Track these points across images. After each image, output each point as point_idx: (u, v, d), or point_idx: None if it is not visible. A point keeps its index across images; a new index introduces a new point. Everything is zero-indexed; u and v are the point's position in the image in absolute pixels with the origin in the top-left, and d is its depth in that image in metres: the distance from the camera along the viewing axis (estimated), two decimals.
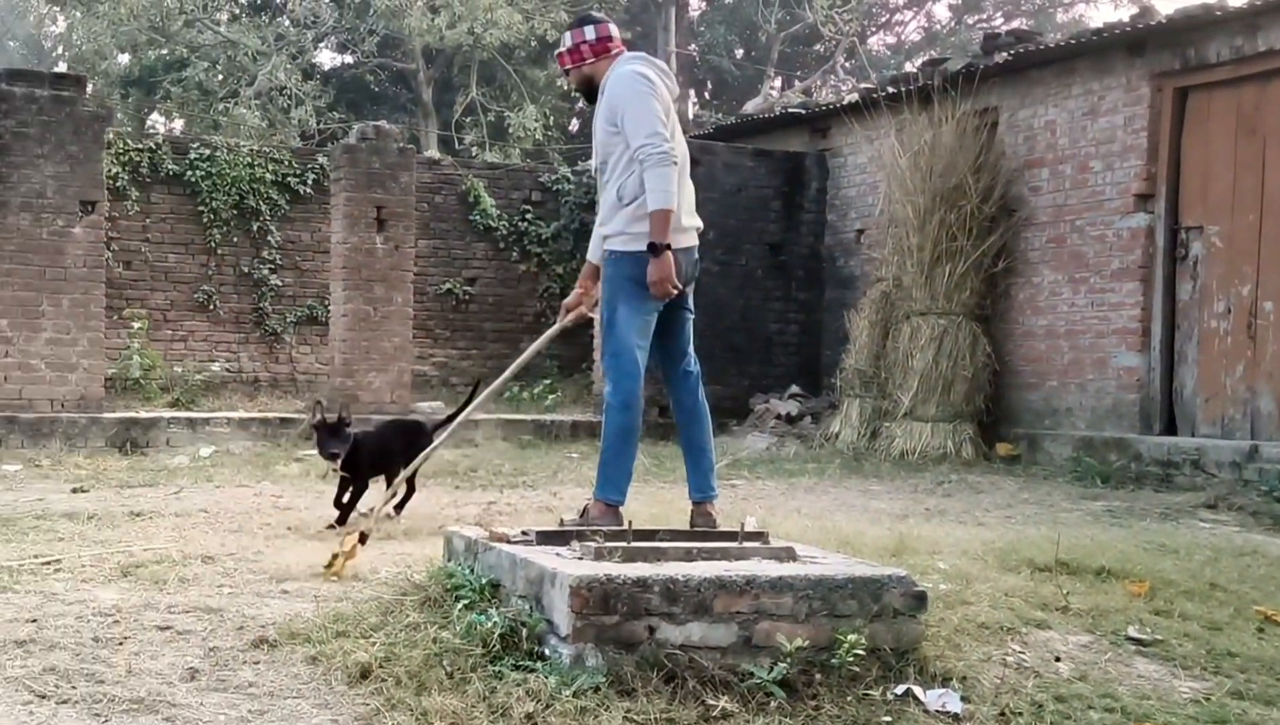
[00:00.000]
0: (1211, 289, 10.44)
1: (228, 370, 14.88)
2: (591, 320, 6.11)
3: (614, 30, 5.62)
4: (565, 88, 25.45)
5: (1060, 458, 11.07)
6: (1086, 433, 11.08)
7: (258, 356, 15.25)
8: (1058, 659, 4.71)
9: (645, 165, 5.22)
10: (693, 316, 5.61)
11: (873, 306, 12.55)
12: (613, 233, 5.43)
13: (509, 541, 4.89)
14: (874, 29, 33.06)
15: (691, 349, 5.60)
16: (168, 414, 12.10)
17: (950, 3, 33.67)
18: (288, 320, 15.33)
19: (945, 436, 11.50)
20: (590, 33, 5.57)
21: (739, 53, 30.69)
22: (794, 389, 13.88)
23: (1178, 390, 10.69)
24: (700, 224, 5.57)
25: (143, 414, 11.98)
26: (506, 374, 6.13)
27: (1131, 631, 5.08)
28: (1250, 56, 10.08)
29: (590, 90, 5.62)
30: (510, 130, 24.70)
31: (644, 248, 5.26)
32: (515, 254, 16.42)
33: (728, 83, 31.12)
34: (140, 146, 14.66)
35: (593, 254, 5.81)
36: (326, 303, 14.11)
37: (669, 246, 5.24)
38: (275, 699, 3.95)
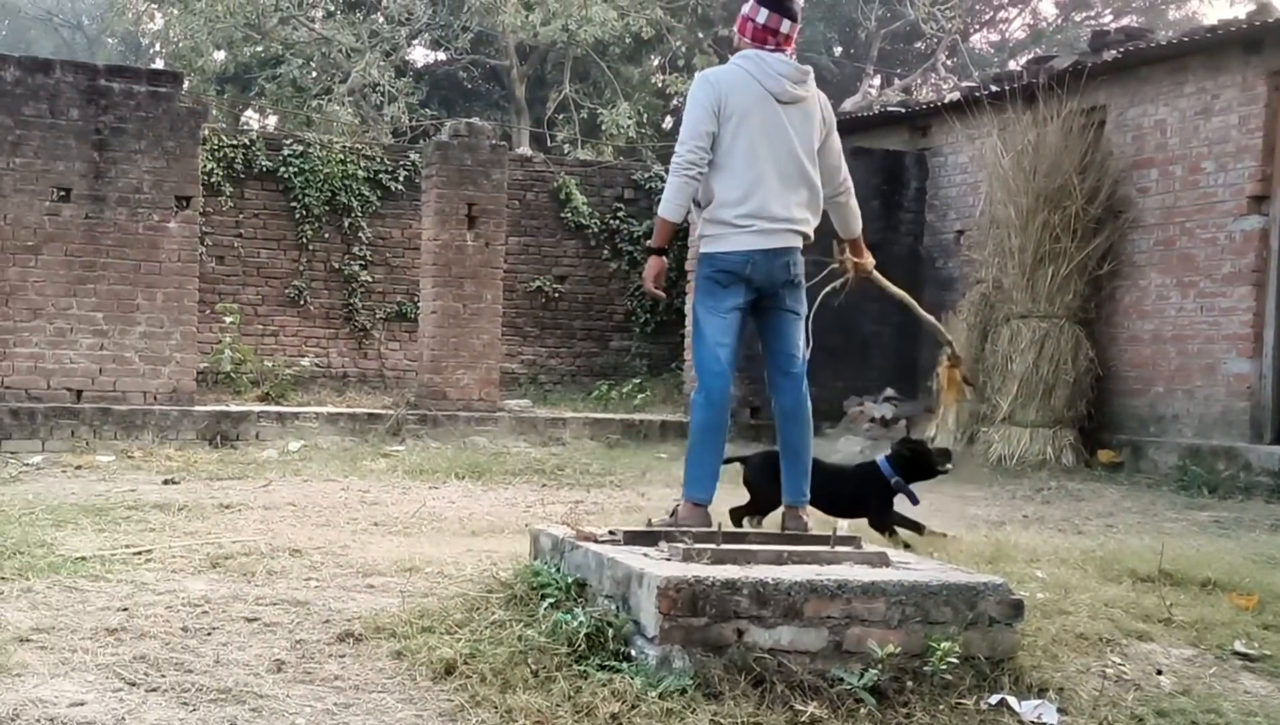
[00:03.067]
0: None
1: (317, 365, 15.05)
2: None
3: (786, 26, 5.43)
4: (658, 85, 25.51)
5: (1165, 466, 10.93)
6: (1193, 441, 10.92)
7: (346, 352, 15.41)
8: (1159, 672, 4.66)
9: (670, 171, 5.37)
10: (800, 318, 5.55)
11: (972, 308, 12.47)
12: (700, 236, 5.53)
13: (596, 541, 4.91)
14: (977, 26, 32.64)
15: (797, 352, 5.54)
16: (257, 408, 12.24)
17: (1057, 0, 33.09)
18: (377, 316, 15.48)
19: (1045, 442, 11.41)
20: (762, 16, 5.44)
21: (838, 50, 30.48)
22: (889, 392, 13.80)
23: None
24: (803, 226, 5.48)
25: (233, 408, 12.13)
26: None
27: (1238, 646, 5.02)
28: None
29: None
30: (603, 128, 24.72)
31: (713, 250, 5.39)
32: (606, 252, 16.42)
33: (827, 80, 30.83)
34: (235, 143, 14.88)
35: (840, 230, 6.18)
36: (415, 299, 14.21)
37: (661, 252, 5.47)
38: (360, 693, 3.98)
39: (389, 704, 3.89)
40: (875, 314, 14.18)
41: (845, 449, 12.11)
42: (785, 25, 5.42)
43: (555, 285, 16.24)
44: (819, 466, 6.17)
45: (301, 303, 15.21)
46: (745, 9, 5.51)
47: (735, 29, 5.61)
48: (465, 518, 7.42)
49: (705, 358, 5.40)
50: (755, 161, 5.34)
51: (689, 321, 12.14)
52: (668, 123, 27.85)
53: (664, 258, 5.51)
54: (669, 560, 4.48)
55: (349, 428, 12.04)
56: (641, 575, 4.23)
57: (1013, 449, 11.42)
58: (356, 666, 4.20)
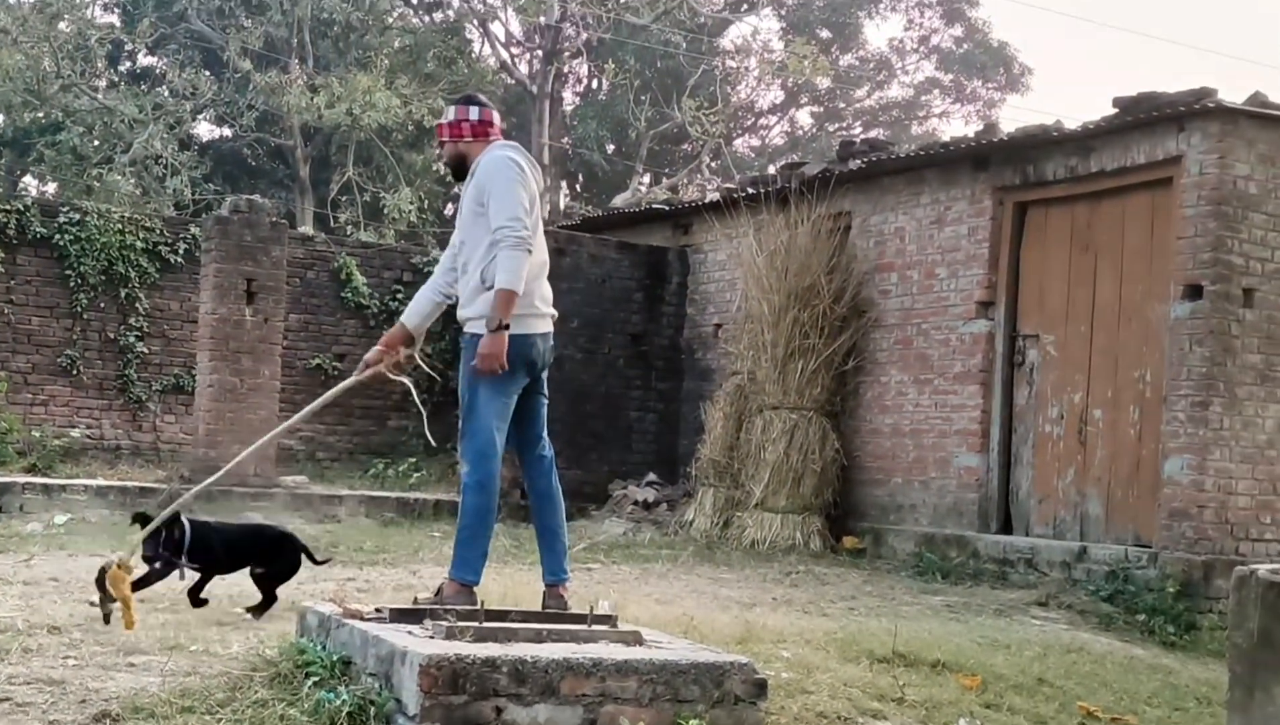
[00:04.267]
0: (1046, 395, 10.82)
1: (89, 437, 14.60)
2: (389, 379, 6.25)
3: (497, 117, 5.76)
4: (440, 171, 25.76)
5: (903, 552, 11.26)
6: (928, 529, 11.31)
7: (120, 424, 15.01)
8: None
9: (501, 246, 5.32)
10: (546, 401, 5.74)
11: (728, 399, 12.70)
12: (474, 316, 5.51)
13: (362, 618, 4.92)
14: (740, 131, 33.84)
15: (545, 434, 5.71)
16: (23, 479, 11.86)
17: (813, 110, 34.74)
18: (153, 388, 15.13)
19: (794, 528, 11.63)
20: (474, 113, 5.71)
21: (610, 148, 31.23)
22: (651, 477, 14.00)
23: (1014, 491, 11.01)
24: (555, 313, 5.71)
25: None
26: (294, 419, 7.06)
27: (962, 724, 5.31)
28: (1084, 176, 10.54)
29: (460, 168, 5.73)
30: (385, 211, 24.79)
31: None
32: (385, 332, 16.46)
33: (598, 176, 31.63)
34: (8, 207, 14.45)
35: (408, 318, 6.02)
36: (193, 372, 13.98)
37: (507, 327, 5.32)
38: None
39: None
40: (639, 401, 14.62)
41: (609, 530, 12.38)
42: (496, 115, 5.75)
43: (334, 363, 16.16)
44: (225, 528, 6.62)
45: (74, 372, 14.75)
46: (450, 116, 5.73)
47: (447, 138, 5.74)
48: (235, 595, 7.24)
49: (482, 441, 5.40)
50: (541, 247, 5.58)
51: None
52: (448, 209, 28.08)
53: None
54: (432, 638, 4.52)
55: (119, 501, 11.71)
56: (404, 653, 4.26)
57: (764, 534, 11.61)
58: None
